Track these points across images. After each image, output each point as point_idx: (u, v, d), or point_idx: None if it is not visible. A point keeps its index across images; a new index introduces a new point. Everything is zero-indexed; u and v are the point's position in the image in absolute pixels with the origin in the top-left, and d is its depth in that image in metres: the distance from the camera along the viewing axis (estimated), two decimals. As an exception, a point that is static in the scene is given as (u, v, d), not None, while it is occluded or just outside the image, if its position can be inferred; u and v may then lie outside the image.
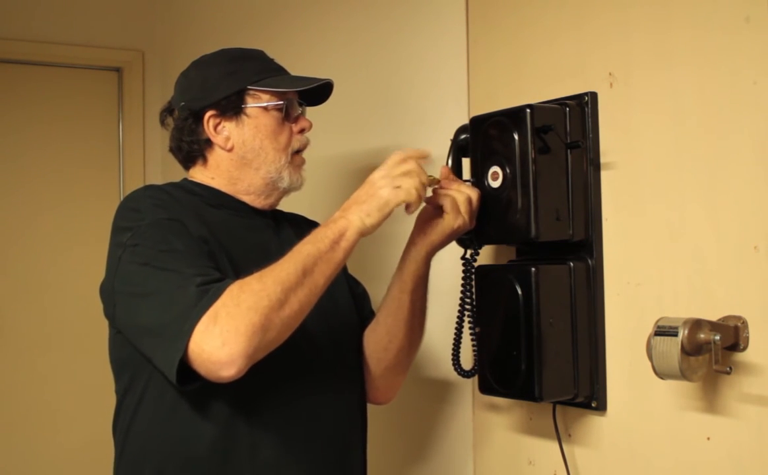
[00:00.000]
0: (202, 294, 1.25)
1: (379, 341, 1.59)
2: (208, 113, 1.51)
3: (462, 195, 1.46)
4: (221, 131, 1.52)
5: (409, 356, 1.62)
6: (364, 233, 1.35)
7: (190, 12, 2.93)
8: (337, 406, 1.52)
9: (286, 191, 1.56)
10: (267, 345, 1.26)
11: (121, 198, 3.03)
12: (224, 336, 1.21)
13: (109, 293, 1.40)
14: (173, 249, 1.33)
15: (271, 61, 1.59)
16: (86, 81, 3.07)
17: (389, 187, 1.35)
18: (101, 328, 1.49)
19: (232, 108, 1.51)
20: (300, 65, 2.27)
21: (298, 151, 1.55)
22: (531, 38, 1.63)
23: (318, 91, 1.58)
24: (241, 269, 1.35)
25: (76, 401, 2.92)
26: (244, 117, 1.51)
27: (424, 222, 1.50)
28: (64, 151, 3.01)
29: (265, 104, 1.51)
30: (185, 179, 1.57)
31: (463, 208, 1.45)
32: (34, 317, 2.93)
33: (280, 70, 1.58)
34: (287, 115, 1.54)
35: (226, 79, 1.51)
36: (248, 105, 1.51)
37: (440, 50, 1.84)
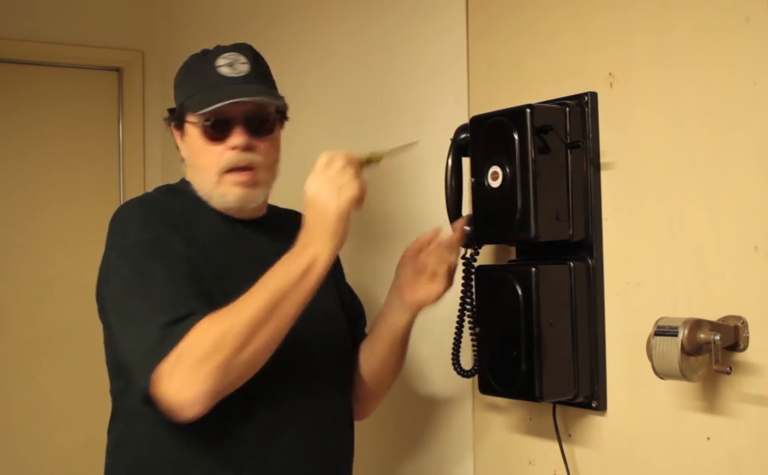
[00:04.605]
0: (167, 336, 1.26)
1: (363, 375, 1.62)
2: (172, 122, 1.53)
3: (453, 263, 1.52)
4: (179, 141, 1.53)
5: (390, 384, 1.67)
6: (334, 257, 1.33)
7: (190, 12, 2.93)
8: (327, 414, 1.51)
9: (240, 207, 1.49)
10: (230, 385, 1.28)
11: (121, 198, 3.05)
12: (183, 381, 1.24)
13: (102, 303, 1.43)
14: (149, 277, 1.34)
15: (216, 72, 1.48)
16: (86, 81, 3.07)
17: (333, 196, 1.30)
18: (101, 328, 1.49)
19: (178, 120, 1.51)
20: (299, 65, 2.28)
21: (233, 169, 1.46)
22: (531, 38, 1.63)
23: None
24: (231, 281, 1.36)
25: (76, 401, 2.92)
26: (186, 130, 1.50)
27: (414, 280, 1.52)
28: (64, 151, 3.01)
29: (195, 121, 1.47)
30: (182, 180, 1.57)
31: (451, 275, 1.52)
32: (34, 317, 2.93)
33: (218, 85, 1.47)
34: (214, 134, 1.45)
35: (177, 90, 1.53)
36: (187, 120, 1.49)
37: (440, 50, 1.84)
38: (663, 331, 1.24)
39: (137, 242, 1.38)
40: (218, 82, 1.47)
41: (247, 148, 1.45)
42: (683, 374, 1.23)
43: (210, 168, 1.46)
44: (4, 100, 2.94)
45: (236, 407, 1.37)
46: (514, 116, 1.44)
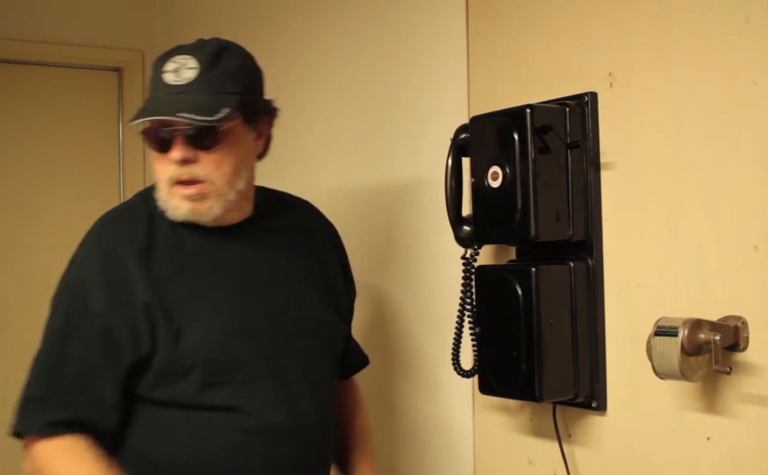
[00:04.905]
0: (27, 418, 1.40)
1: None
2: None
3: None
4: None
5: None
6: None
7: (190, 12, 2.93)
8: (300, 423, 1.44)
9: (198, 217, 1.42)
10: None
11: (121, 198, 3.04)
12: (25, 457, 1.42)
13: None
14: (52, 338, 1.43)
15: (160, 78, 1.38)
16: (86, 81, 3.07)
17: None
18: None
19: None
20: (299, 65, 2.28)
21: (179, 182, 1.38)
22: (531, 38, 1.63)
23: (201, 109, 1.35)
24: (183, 312, 1.37)
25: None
26: None
27: None
28: (64, 151, 3.01)
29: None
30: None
31: None
32: (34, 317, 2.91)
33: (155, 95, 1.39)
34: (157, 145, 1.39)
35: None
36: None
37: (440, 50, 1.84)
38: (663, 331, 1.24)
39: (67, 283, 1.44)
40: (156, 91, 1.39)
41: (186, 161, 1.37)
42: (683, 374, 1.23)
43: (162, 178, 1.41)
44: (4, 100, 2.94)
45: (203, 411, 1.38)
46: (514, 116, 1.44)
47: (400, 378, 1.96)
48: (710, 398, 1.32)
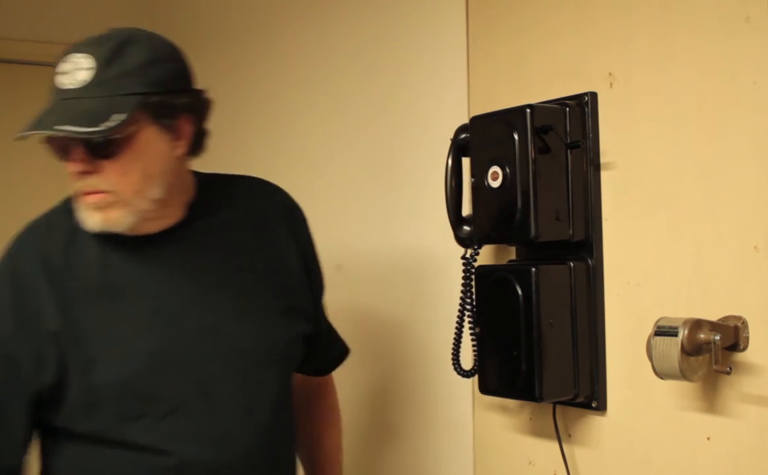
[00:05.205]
0: None
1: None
2: None
3: None
4: None
5: None
6: None
7: (191, 13, 2.93)
8: (242, 453, 1.34)
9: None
10: None
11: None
12: None
13: None
14: None
15: (54, 81, 1.25)
16: (86, 81, 3.07)
17: None
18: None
19: None
20: (300, 66, 2.28)
21: (86, 192, 1.27)
22: (531, 38, 1.63)
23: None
24: (97, 342, 1.27)
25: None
26: None
27: None
28: (63, 152, 3.01)
29: None
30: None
31: None
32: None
33: (50, 100, 1.25)
34: (58, 156, 1.28)
35: None
36: None
37: (440, 49, 1.84)
38: (663, 331, 1.25)
39: None
40: (51, 95, 1.25)
41: (86, 173, 1.25)
42: (683, 374, 1.23)
43: (73, 189, 1.29)
44: (4, 100, 2.93)
45: (128, 449, 1.29)
46: (514, 116, 1.44)
47: (400, 378, 1.96)
48: (710, 398, 1.32)
